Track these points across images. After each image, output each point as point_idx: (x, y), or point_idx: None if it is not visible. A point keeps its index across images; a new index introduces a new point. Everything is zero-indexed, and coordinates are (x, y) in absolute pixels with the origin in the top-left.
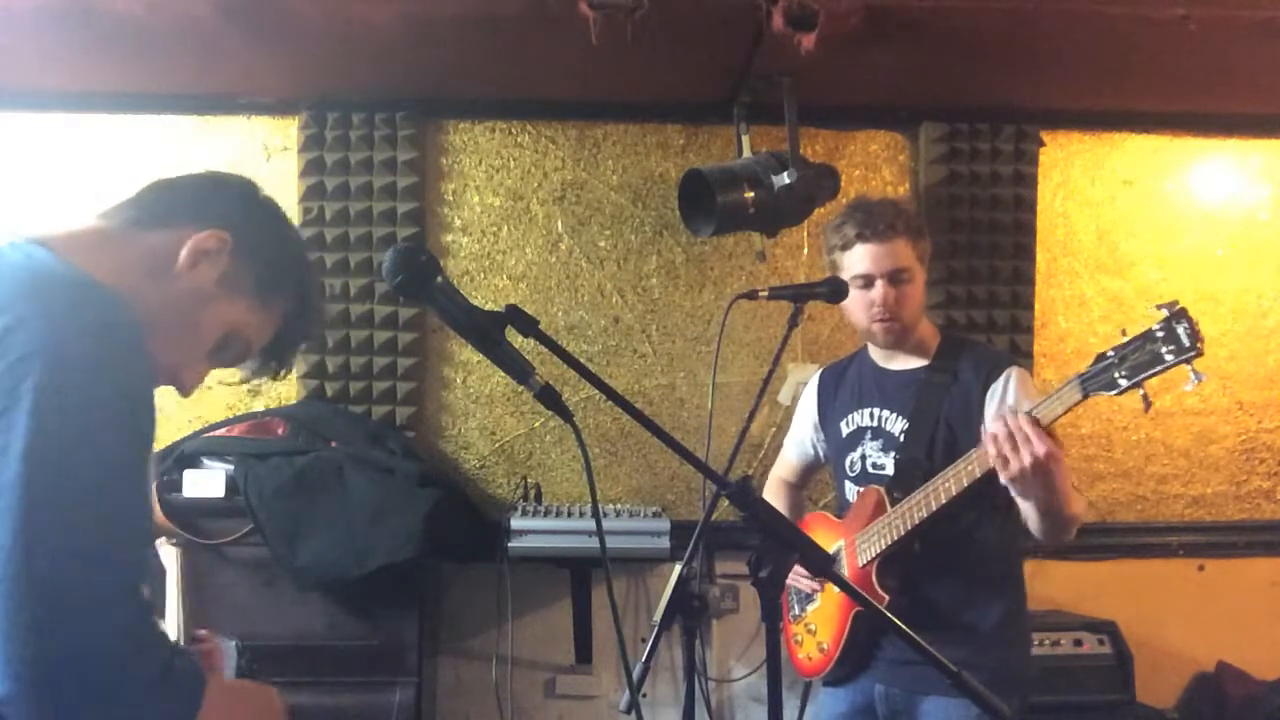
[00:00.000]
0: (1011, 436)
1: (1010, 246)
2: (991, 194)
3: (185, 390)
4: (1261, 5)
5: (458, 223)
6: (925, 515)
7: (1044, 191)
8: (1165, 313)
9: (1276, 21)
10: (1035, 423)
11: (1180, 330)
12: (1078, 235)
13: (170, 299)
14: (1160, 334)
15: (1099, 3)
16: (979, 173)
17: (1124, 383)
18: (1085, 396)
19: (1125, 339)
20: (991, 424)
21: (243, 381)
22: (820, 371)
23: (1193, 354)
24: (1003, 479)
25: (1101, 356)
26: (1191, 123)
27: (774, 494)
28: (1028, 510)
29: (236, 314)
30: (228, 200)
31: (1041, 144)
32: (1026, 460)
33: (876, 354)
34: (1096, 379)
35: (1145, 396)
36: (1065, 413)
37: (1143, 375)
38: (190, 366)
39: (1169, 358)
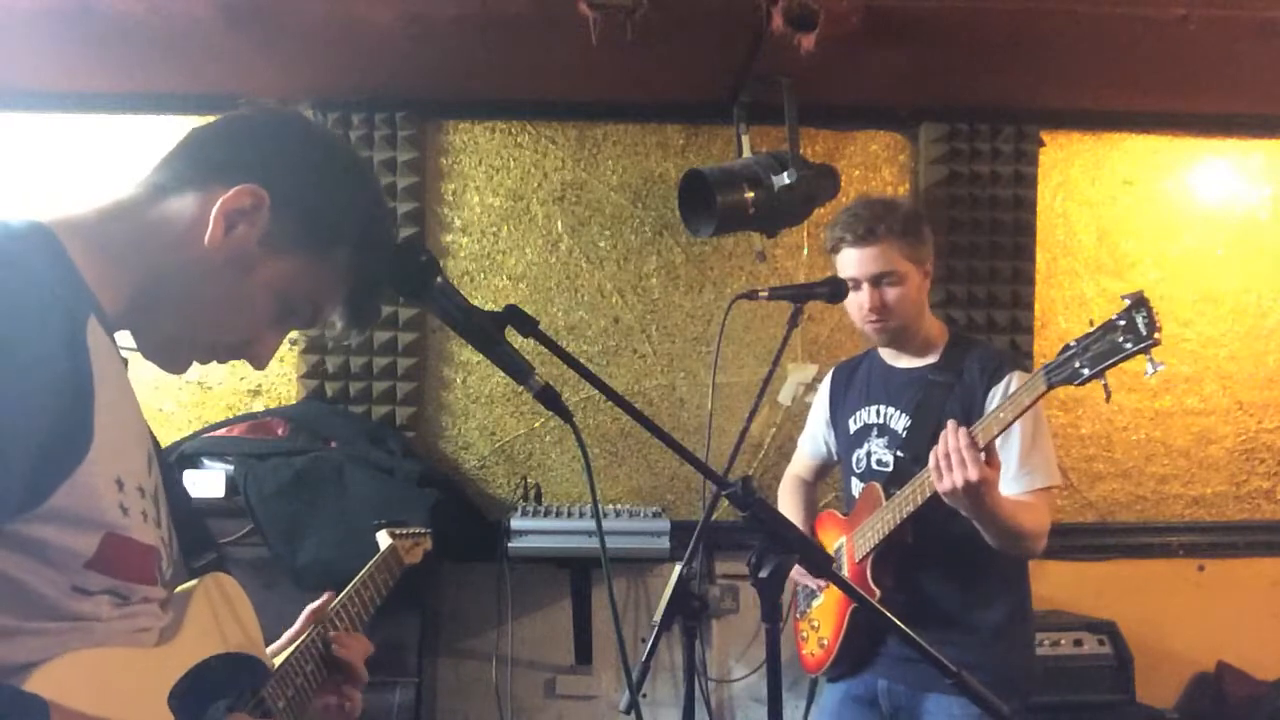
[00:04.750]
0: (949, 455)
1: (1010, 246)
2: (991, 194)
3: (260, 364)
4: (1261, 5)
5: (458, 223)
6: (912, 509)
7: (1044, 191)
8: (1128, 302)
9: (1276, 21)
10: (973, 445)
11: (1139, 319)
12: (1078, 235)
13: (209, 271)
14: (1121, 323)
15: (1099, 3)
16: (979, 173)
17: (1086, 372)
18: (1050, 388)
19: (1091, 329)
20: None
21: (331, 340)
22: (833, 369)
23: (1149, 343)
24: (937, 490)
25: (1066, 347)
26: (1191, 123)
27: (790, 490)
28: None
29: (291, 273)
30: (263, 145)
31: (1041, 144)
32: (959, 480)
33: (885, 352)
34: (1060, 370)
35: (1105, 387)
36: (1032, 404)
37: (1103, 365)
38: (257, 340)
39: (1127, 346)
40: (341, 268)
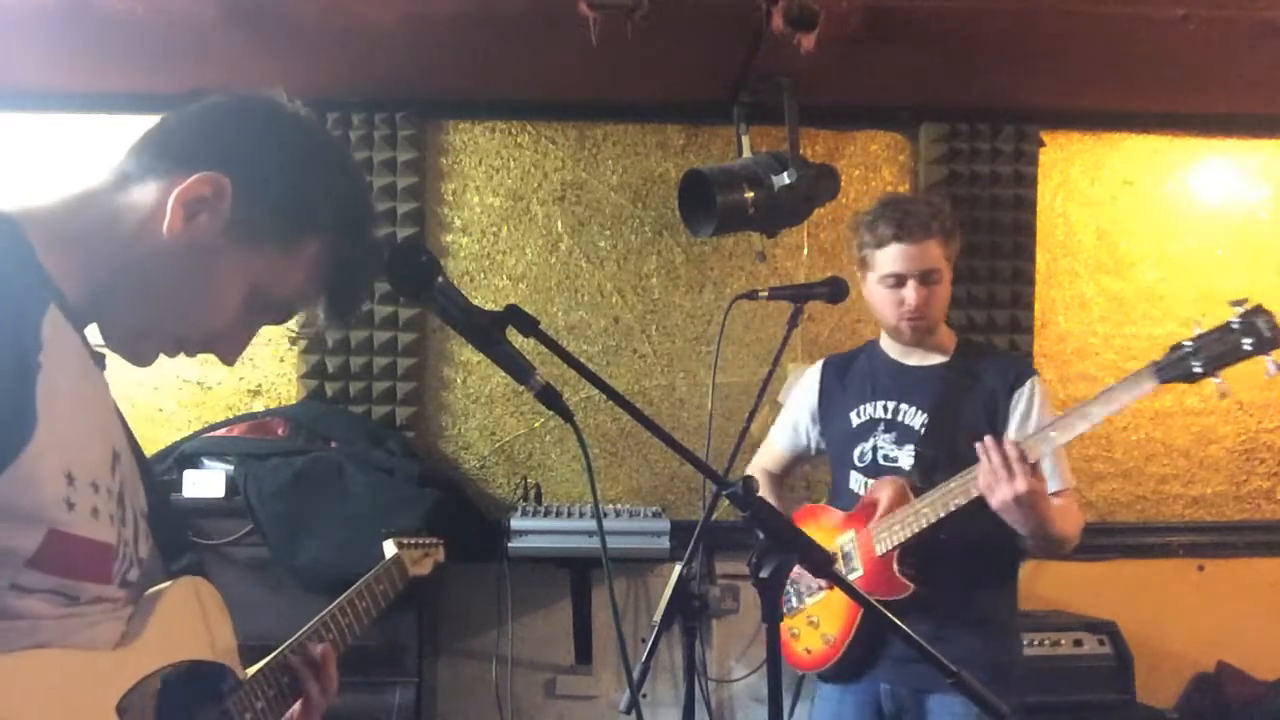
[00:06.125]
0: (997, 469)
1: (1010, 246)
2: (991, 194)
3: (228, 359)
4: (1261, 5)
5: (458, 223)
6: (954, 508)
7: (1044, 191)
8: (1239, 309)
9: (1276, 21)
10: (1023, 458)
11: (1261, 324)
12: (1078, 235)
13: (170, 260)
14: (1238, 326)
15: (1099, 3)
16: (979, 173)
17: (1199, 370)
18: (1162, 383)
19: (1201, 331)
20: (988, 448)
21: (301, 338)
22: (822, 362)
23: (1273, 346)
24: (990, 504)
25: (1177, 347)
26: (1191, 123)
27: (763, 488)
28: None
29: (259, 264)
30: (230, 132)
31: (1041, 144)
32: (1008, 494)
33: (892, 349)
34: (1173, 367)
35: (1221, 386)
36: (1134, 401)
37: (1221, 364)
38: (226, 333)
39: (1249, 348)
40: (314, 259)
